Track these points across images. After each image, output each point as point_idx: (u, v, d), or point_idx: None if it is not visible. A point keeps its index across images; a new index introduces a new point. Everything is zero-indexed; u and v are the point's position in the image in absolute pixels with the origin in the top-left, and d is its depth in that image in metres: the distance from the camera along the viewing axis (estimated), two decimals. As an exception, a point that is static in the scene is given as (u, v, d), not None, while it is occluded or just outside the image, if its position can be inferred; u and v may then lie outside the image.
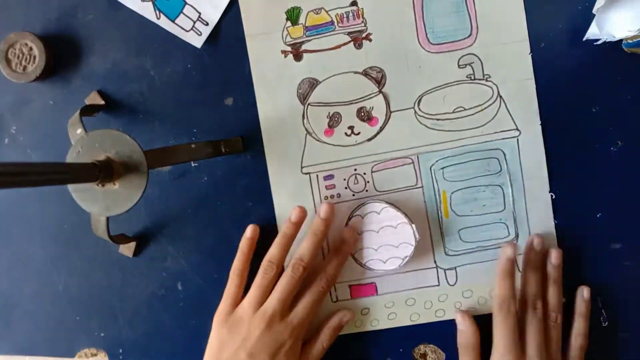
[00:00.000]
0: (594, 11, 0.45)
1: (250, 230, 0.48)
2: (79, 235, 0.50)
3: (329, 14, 0.48)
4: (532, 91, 0.47)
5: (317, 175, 0.48)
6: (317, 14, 0.48)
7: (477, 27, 0.47)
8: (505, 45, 0.47)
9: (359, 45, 0.48)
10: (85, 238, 0.50)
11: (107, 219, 0.42)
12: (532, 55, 0.47)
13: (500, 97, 0.48)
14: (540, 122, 0.47)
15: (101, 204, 0.39)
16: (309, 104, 0.48)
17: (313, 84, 0.48)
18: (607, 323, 0.48)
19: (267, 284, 0.45)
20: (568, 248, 0.48)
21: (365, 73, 0.48)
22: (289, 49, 0.48)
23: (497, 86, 0.48)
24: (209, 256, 0.49)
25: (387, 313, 0.49)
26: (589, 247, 0.48)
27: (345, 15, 0.48)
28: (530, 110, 0.47)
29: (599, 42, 0.46)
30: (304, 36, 0.48)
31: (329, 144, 0.48)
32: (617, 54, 0.47)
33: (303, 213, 0.47)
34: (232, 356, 0.43)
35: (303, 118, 0.48)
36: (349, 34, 0.48)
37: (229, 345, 0.44)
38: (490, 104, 0.48)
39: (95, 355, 0.50)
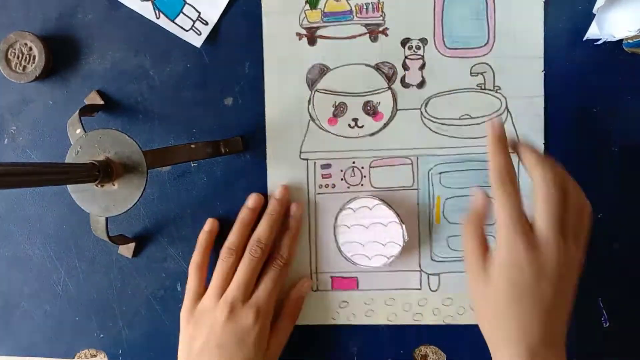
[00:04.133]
0: (594, 11, 0.44)
1: (208, 224, 0.48)
2: (78, 236, 0.50)
3: (348, 3, 0.48)
4: (540, 110, 0.47)
5: (314, 163, 0.48)
6: (337, 1, 0.48)
7: (495, 37, 0.47)
8: (519, 59, 0.47)
9: (374, 39, 0.48)
10: (85, 238, 0.50)
11: (107, 219, 0.42)
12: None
13: (508, 110, 0.47)
14: (544, 142, 0.47)
15: (100, 204, 0.39)
16: (316, 90, 0.48)
17: (323, 70, 0.48)
18: (607, 323, 0.48)
19: (227, 271, 0.45)
20: (568, 248, 0.48)
21: (377, 67, 0.48)
22: (304, 32, 0.48)
23: (506, 99, 0.47)
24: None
25: (365, 309, 0.49)
26: (589, 247, 0.48)
27: (364, 7, 0.48)
28: (535, 129, 0.47)
29: (599, 42, 0.46)
30: (321, 21, 0.48)
31: (331, 133, 0.48)
32: (617, 54, 0.47)
33: (260, 199, 0.48)
34: (202, 348, 0.43)
35: (309, 103, 0.48)
36: (365, 25, 0.48)
37: (197, 338, 0.44)
38: (497, 116, 0.47)
39: (95, 356, 0.50)
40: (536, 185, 0.38)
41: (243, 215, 0.47)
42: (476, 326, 0.48)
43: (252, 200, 0.47)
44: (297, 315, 0.48)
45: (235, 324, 0.43)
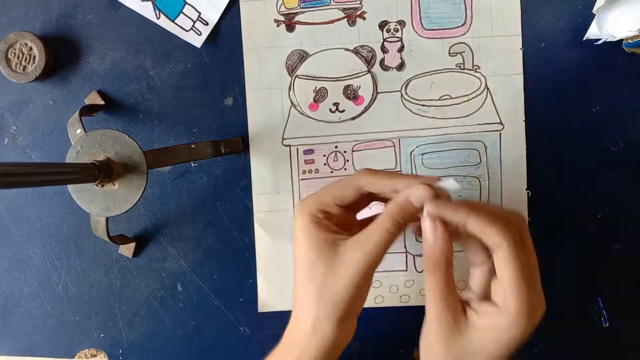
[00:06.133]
0: (594, 11, 0.45)
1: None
2: (78, 236, 0.50)
3: None
4: (519, 87, 0.48)
5: (297, 149, 0.48)
6: None
7: (472, 16, 0.48)
8: (497, 38, 0.48)
9: (352, 23, 0.48)
10: (85, 238, 0.50)
11: (107, 219, 0.42)
12: (532, 55, 0.47)
13: (488, 89, 0.48)
14: (524, 119, 0.47)
15: (101, 204, 0.39)
16: (296, 76, 0.48)
17: (303, 56, 0.48)
18: (607, 323, 0.48)
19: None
20: (568, 248, 0.48)
21: (356, 51, 0.48)
22: (282, 18, 0.48)
23: (485, 78, 0.48)
24: (209, 256, 0.49)
25: None
26: (589, 247, 0.48)
27: None
28: (515, 106, 0.48)
29: (599, 42, 0.46)
30: (299, 7, 0.48)
31: (313, 118, 0.48)
32: (617, 54, 0.47)
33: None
34: None
35: (289, 90, 0.48)
36: (343, 10, 0.48)
37: None
38: (477, 95, 0.48)
39: (95, 356, 0.50)
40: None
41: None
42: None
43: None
44: (399, 226, 0.34)
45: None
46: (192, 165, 0.49)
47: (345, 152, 0.48)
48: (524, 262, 0.31)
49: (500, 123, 0.48)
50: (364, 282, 0.34)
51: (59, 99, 0.49)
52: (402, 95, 0.48)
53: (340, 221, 0.36)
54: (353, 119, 0.48)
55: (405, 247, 0.48)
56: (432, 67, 0.48)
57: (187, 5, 0.48)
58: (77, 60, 0.49)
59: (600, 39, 0.46)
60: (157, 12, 0.48)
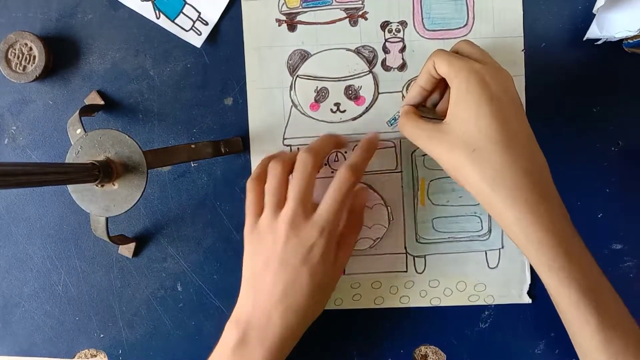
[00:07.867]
0: (594, 11, 0.45)
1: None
2: (78, 236, 0.50)
3: None
4: (521, 88, 0.47)
5: (298, 149, 0.48)
6: None
7: (474, 17, 0.48)
8: (499, 39, 0.48)
9: (354, 23, 0.48)
10: (85, 238, 0.50)
11: (107, 219, 0.42)
12: (532, 55, 0.47)
13: None
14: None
15: (100, 204, 0.39)
16: (297, 76, 0.48)
17: (304, 56, 0.48)
18: (607, 323, 0.48)
19: (279, 184, 0.42)
20: (568, 248, 0.48)
21: (357, 51, 0.48)
22: (283, 18, 0.48)
23: None
24: (209, 257, 0.49)
25: (352, 294, 0.49)
26: (589, 247, 0.48)
27: None
28: None
29: (599, 42, 0.46)
30: (300, 7, 0.48)
31: (314, 118, 0.48)
32: (617, 54, 0.47)
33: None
34: (266, 264, 0.41)
35: (290, 89, 0.48)
36: (345, 10, 0.48)
37: (260, 255, 0.42)
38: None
39: (95, 356, 0.50)
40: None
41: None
42: (476, 325, 0.49)
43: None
44: (361, 225, 0.46)
45: (297, 241, 0.40)
46: (192, 165, 0.49)
47: (346, 152, 0.48)
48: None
49: None
50: None
51: (59, 99, 0.49)
52: (403, 95, 0.48)
53: None
54: (354, 119, 0.48)
55: (405, 247, 0.48)
56: None
57: (187, 5, 0.48)
58: (77, 60, 0.49)
59: (600, 39, 0.46)
60: (157, 12, 0.48)
